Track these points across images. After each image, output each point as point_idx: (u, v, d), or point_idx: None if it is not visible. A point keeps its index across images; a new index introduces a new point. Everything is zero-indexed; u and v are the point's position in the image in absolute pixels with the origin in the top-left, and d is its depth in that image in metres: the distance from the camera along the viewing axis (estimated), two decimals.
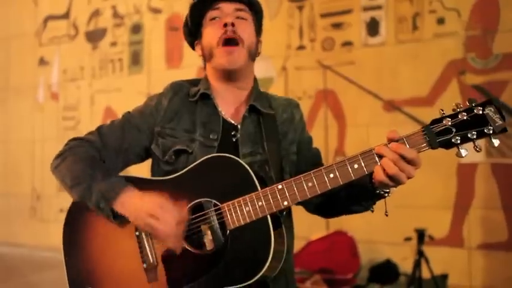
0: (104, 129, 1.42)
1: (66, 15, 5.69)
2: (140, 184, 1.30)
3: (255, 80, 1.47)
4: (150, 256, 1.25)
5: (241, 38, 1.34)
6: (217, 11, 1.38)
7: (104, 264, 1.31)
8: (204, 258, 1.20)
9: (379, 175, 1.10)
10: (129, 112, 1.46)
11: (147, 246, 1.25)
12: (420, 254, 3.16)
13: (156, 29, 5.13)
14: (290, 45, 4.37)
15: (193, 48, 1.50)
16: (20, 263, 4.90)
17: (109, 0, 5.43)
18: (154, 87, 5.02)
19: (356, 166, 1.11)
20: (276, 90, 3.91)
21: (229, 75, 1.38)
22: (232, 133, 1.37)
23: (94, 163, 1.33)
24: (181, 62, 4.94)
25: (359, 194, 1.24)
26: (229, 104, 1.42)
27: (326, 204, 1.39)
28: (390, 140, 1.10)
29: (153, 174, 1.42)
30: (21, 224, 5.64)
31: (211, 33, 1.37)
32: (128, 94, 5.14)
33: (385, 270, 3.67)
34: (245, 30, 1.37)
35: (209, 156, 1.27)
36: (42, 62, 5.81)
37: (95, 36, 5.49)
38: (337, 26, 4.18)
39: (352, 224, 3.74)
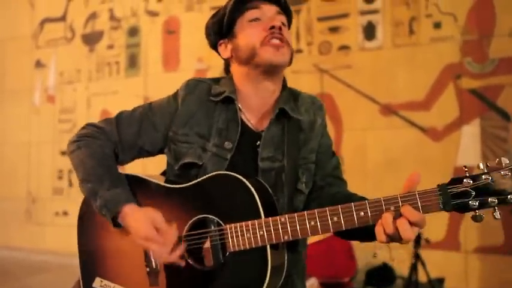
0: (122, 120, 1.39)
1: (63, 18, 5.68)
2: (146, 189, 1.30)
3: (284, 78, 1.42)
4: (153, 262, 1.26)
5: (287, 41, 1.30)
6: (257, 10, 1.31)
7: (112, 258, 1.33)
8: (203, 274, 1.20)
9: (379, 236, 1.04)
10: (150, 104, 1.41)
11: (151, 252, 1.25)
12: (417, 257, 3.15)
13: (153, 32, 5.12)
14: None
15: (214, 47, 1.42)
16: (15, 266, 4.87)
17: (106, 3, 5.42)
18: (151, 90, 5.02)
19: (362, 214, 1.06)
20: None
21: (271, 72, 1.32)
22: (257, 143, 1.31)
23: (106, 163, 1.32)
24: (179, 65, 4.94)
25: (365, 236, 1.18)
26: (255, 110, 1.36)
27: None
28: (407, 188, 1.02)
29: (167, 172, 1.41)
30: (17, 228, 5.60)
31: (254, 35, 1.28)
32: (125, 97, 5.12)
33: (382, 274, 3.67)
34: (288, 37, 1.31)
35: (220, 173, 1.23)
36: (38, 64, 5.79)
37: (91, 39, 5.49)
38: (334, 29, 4.19)
39: None
